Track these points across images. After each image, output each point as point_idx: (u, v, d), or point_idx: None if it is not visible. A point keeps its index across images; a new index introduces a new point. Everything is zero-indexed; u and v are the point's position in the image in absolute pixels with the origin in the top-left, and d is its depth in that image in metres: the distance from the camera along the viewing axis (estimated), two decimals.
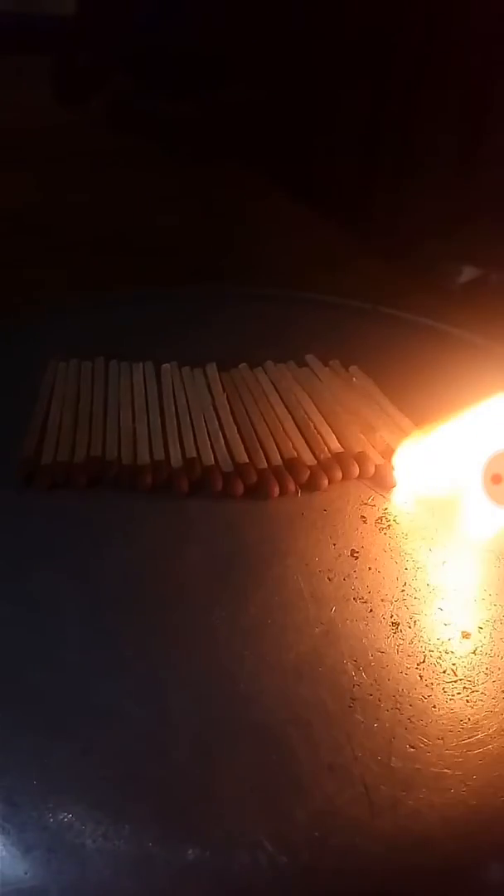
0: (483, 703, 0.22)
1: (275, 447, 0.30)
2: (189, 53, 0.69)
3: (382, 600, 0.24)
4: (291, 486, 0.28)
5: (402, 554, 0.26)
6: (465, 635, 0.23)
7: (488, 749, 0.21)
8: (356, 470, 0.29)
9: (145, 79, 0.72)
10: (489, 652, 0.23)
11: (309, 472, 0.29)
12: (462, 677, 0.22)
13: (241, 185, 0.64)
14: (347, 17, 0.62)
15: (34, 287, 0.44)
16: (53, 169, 0.63)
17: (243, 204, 0.60)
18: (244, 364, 0.35)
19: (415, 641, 0.23)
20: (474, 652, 0.23)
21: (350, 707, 0.21)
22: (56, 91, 0.73)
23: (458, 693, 0.22)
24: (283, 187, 0.64)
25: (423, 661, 0.23)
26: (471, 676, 0.22)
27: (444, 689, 0.22)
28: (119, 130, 0.72)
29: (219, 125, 0.70)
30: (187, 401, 0.33)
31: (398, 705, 0.21)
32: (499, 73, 0.51)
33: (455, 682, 0.22)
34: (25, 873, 0.18)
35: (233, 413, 0.32)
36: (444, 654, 0.23)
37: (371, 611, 0.24)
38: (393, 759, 0.20)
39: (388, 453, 0.30)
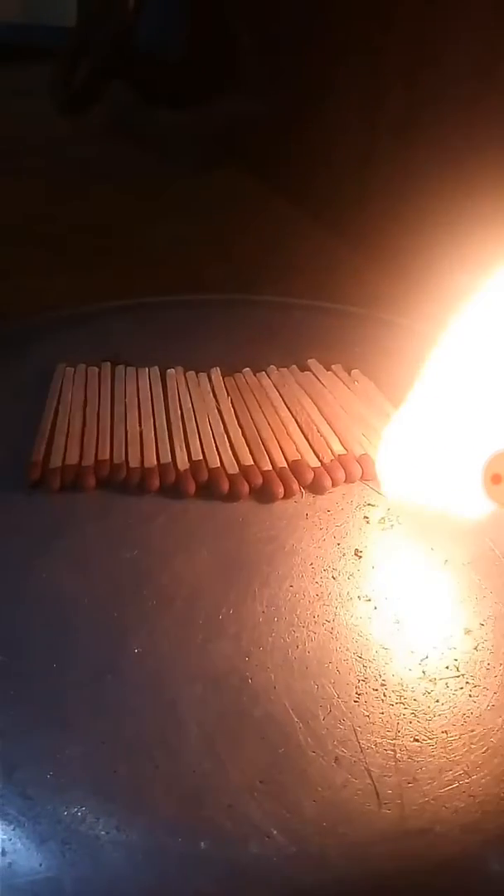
0: (485, 698, 0.22)
1: (279, 450, 0.30)
2: (189, 64, 0.70)
3: (386, 598, 0.25)
4: (295, 488, 0.29)
5: (405, 553, 0.27)
6: (466, 632, 0.24)
7: (490, 742, 0.21)
8: (359, 472, 0.30)
9: (146, 89, 0.73)
10: (491, 648, 0.24)
11: (313, 473, 0.29)
12: (464, 673, 0.23)
13: (242, 193, 0.65)
14: (346, 26, 0.63)
15: (41, 295, 0.45)
16: (57, 178, 0.64)
17: (244, 212, 0.61)
18: (247, 369, 0.36)
19: (418, 638, 0.24)
20: (476, 648, 0.24)
21: (356, 701, 0.22)
22: (57, 102, 0.74)
23: (461, 688, 0.22)
24: (283, 195, 0.64)
25: (427, 658, 0.23)
26: (473, 672, 0.23)
27: (447, 684, 0.22)
28: (120, 140, 0.73)
29: (219, 135, 0.71)
30: (192, 405, 0.33)
31: (402, 700, 0.22)
32: (494, 83, 0.52)
33: (458, 677, 0.23)
34: (40, 865, 0.19)
35: (237, 417, 0.33)
36: (446, 650, 0.23)
37: (375, 608, 0.25)
38: (398, 751, 0.21)
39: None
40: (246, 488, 0.29)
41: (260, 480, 0.29)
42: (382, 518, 0.28)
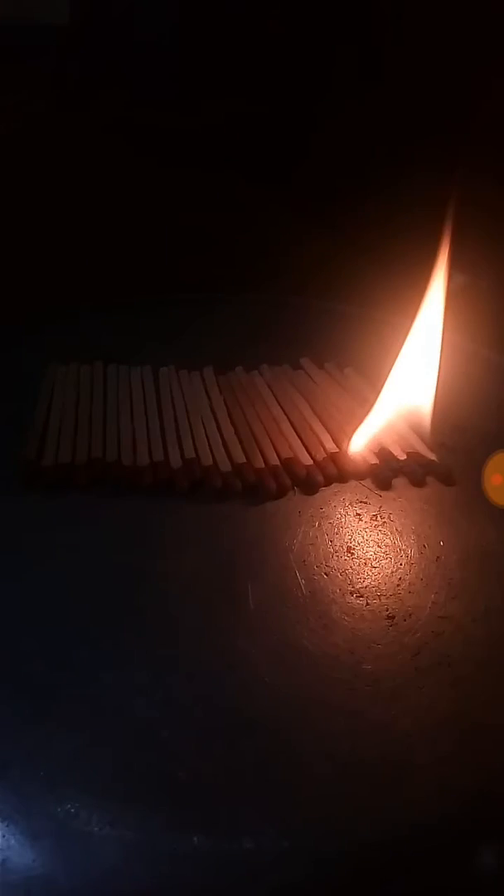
0: (477, 694, 0.22)
1: (272, 447, 0.31)
2: (187, 65, 0.70)
3: (378, 595, 0.25)
4: (288, 485, 0.29)
5: (397, 550, 0.27)
6: (458, 628, 0.24)
7: (482, 737, 0.21)
8: (351, 469, 0.30)
9: (143, 90, 0.73)
10: (482, 644, 0.24)
11: (305, 471, 0.29)
12: (456, 668, 0.23)
13: (236, 192, 0.65)
14: (345, 33, 0.63)
15: (33, 294, 0.45)
16: (52, 177, 0.64)
17: (238, 212, 0.61)
18: (240, 367, 0.36)
19: (410, 634, 0.24)
20: (468, 644, 0.24)
21: (348, 697, 0.22)
22: (53, 100, 0.74)
23: (453, 684, 0.22)
24: (278, 194, 0.64)
25: (419, 654, 0.23)
26: (465, 668, 0.23)
27: (438, 679, 0.22)
28: (117, 140, 0.73)
29: (217, 136, 0.70)
30: (185, 403, 0.33)
31: (395, 695, 0.22)
32: (482, 90, 0.52)
33: (449, 672, 0.23)
34: (33, 861, 0.19)
35: (230, 415, 0.33)
36: (438, 646, 0.24)
37: (367, 605, 0.25)
38: (391, 746, 0.21)
39: (381, 454, 0.30)
40: (239, 486, 0.29)
41: (252, 478, 0.29)
42: (374, 515, 0.28)
